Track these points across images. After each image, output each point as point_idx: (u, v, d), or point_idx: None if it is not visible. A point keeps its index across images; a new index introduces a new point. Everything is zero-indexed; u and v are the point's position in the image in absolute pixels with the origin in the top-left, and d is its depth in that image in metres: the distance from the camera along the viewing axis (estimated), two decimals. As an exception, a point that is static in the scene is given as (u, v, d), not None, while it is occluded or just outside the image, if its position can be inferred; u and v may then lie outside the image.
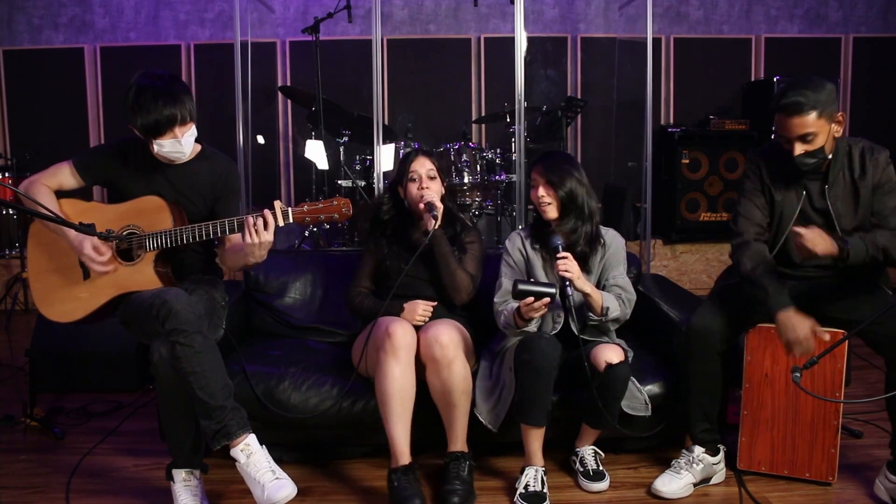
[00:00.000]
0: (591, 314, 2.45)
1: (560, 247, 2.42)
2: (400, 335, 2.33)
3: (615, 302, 2.46)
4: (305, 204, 2.25)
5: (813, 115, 2.23)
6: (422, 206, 2.57)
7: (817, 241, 2.20)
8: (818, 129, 2.25)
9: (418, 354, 2.40)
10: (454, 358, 2.33)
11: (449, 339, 2.34)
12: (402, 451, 2.32)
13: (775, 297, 2.28)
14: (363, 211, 3.02)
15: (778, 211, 2.44)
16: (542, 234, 2.55)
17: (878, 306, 2.28)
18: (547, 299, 2.29)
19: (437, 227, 2.52)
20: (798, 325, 2.22)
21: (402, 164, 2.70)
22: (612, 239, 2.58)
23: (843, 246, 2.22)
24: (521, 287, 2.29)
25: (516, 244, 2.60)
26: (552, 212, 2.52)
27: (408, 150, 4.24)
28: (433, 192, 2.61)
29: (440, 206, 2.57)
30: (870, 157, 2.36)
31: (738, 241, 2.43)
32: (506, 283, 2.55)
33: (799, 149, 2.28)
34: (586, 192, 2.53)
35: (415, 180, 2.64)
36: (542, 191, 2.51)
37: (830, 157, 2.34)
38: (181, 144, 2.30)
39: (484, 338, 2.68)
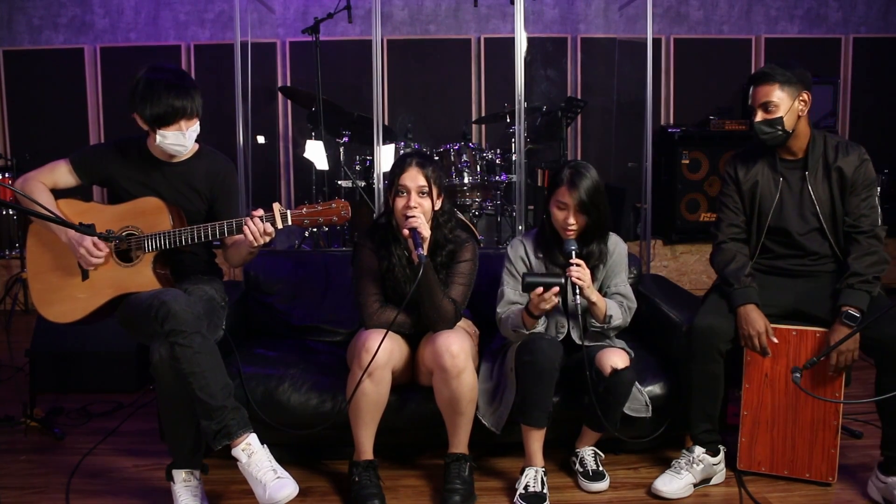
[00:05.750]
0: (593, 321, 2.45)
1: (574, 252, 2.38)
2: (379, 351, 2.24)
3: (618, 310, 2.45)
4: (304, 207, 2.25)
5: (776, 87, 2.41)
6: (405, 231, 2.31)
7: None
8: (780, 101, 2.41)
9: (422, 360, 2.39)
10: (464, 368, 2.28)
11: (460, 348, 2.29)
12: (366, 448, 2.36)
13: (741, 291, 2.43)
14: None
15: (757, 204, 2.53)
16: (549, 243, 2.50)
17: (872, 309, 2.33)
18: (556, 289, 2.28)
19: (424, 256, 2.27)
20: (756, 320, 2.38)
21: (393, 170, 2.42)
22: (615, 245, 2.54)
23: (848, 319, 2.32)
24: (530, 280, 2.30)
25: (518, 252, 2.54)
26: (576, 235, 2.43)
27: (406, 151, 4.24)
28: (420, 215, 2.32)
29: (426, 234, 2.32)
30: (843, 150, 2.47)
31: (715, 243, 2.61)
32: (507, 291, 2.51)
33: (759, 116, 2.44)
34: (608, 211, 2.45)
35: (403, 195, 2.37)
36: (572, 218, 2.40)
37: (789, 133, 2.44)
38: (184, 137, 2.31)
39: (485, 337, 2.68)
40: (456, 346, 2.28)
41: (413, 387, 2.49)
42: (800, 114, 2.44)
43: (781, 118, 2.41)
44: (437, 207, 2.43)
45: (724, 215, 2.59)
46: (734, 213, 2.57)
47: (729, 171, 2.60)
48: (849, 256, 2.41)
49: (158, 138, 2.30)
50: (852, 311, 2.31)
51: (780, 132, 2.43)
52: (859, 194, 2.44)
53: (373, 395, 2.29)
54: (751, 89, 2.47)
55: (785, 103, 2.40)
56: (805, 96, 2.43)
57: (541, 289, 2.29)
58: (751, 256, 2.55)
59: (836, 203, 2.46)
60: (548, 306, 2.31)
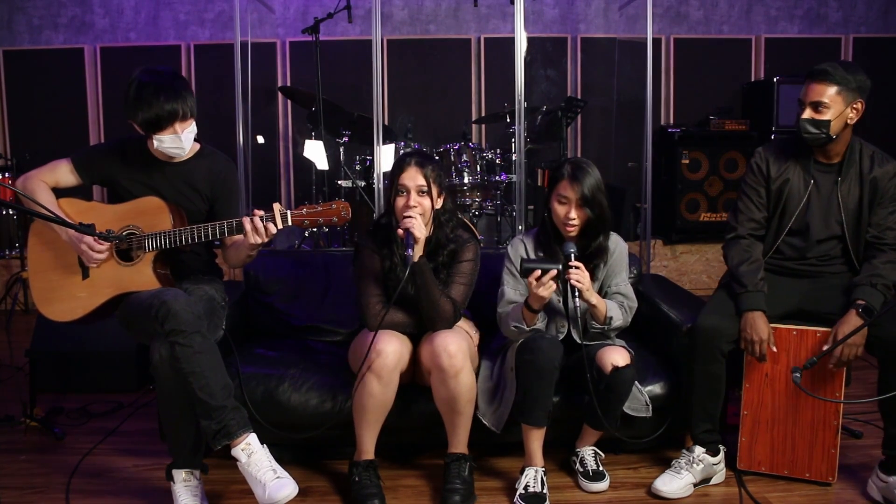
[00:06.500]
0: (593, 322, 2.45)
1: (573, 255, 2.36)
2: (389, 353, 2.26)
3: (618, 311, 2.44)
4: (304, 207, 2.25)
5: (833, 89, 2.33)
6: (400, 232, 2.32)
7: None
8: (832, 103, 2.32)
9: (421, 360, 2.38)
10: (462, 368, 2.28)
11: (457, 348, 2.29)
12: (367, 448, 2.36)
13: (750, 296, 2.40)
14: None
15: (783, 201, 2.48)
16: (549, 242, 2.49)
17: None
18: (553, 272, 2.26)
19: (416, 258, 2.29)
20: (761, 328, 2.35)
21: (393, 170, 2.43)
22: (616, 245, 2.52)
23: (864, 312, 2.30)
24: (527, 265, 2.30)
25: (519, 251, 2.53)
26: (577, 231, 2.43)
27: (406, 150, 4.24)
28: (417, 215, 2.31)
29: (420, 236, 2.30)
30: (879, 160, 2.43)
31: (731, 235, 2.53)
32: (508, 291, 2.50)
33: (807, 113, 2.35)
34: (608, 208, 2.43)
35: (402, 194, 2.38)
36: (574, 212, 2.39)
37: (832, 139, 2.38)
38: (181, 140, 2.30)
39: (485, 337, 2.67)
40: (453, 346, 2.28)
41: (414, 387, 2.48)
42: (849, 121, 2.36)
43: (829, 122, 2.32)
44: (437, 206, 2.43)
45: (745, 207, 2.51)
46: (756, 207, 2.50)
47: (759, 164, 2.51)
48: (873, 259, 2.40)
49: (156, 143, 2.30)
50: (869, 306, 2.30)
51: (823, 135, 2.35)
52: (886, 207, 2.41)
53: (380, 396, 2.29)
54: (806, 83, 2.37)
55: (837, 107, 2.32)
56: (859, 105, 2.35)
57: (538, 272, 2.28)
58: (763, 254, 2.52)
59: (864, 213, 2.42)
60: (546, 293, 2.29)
